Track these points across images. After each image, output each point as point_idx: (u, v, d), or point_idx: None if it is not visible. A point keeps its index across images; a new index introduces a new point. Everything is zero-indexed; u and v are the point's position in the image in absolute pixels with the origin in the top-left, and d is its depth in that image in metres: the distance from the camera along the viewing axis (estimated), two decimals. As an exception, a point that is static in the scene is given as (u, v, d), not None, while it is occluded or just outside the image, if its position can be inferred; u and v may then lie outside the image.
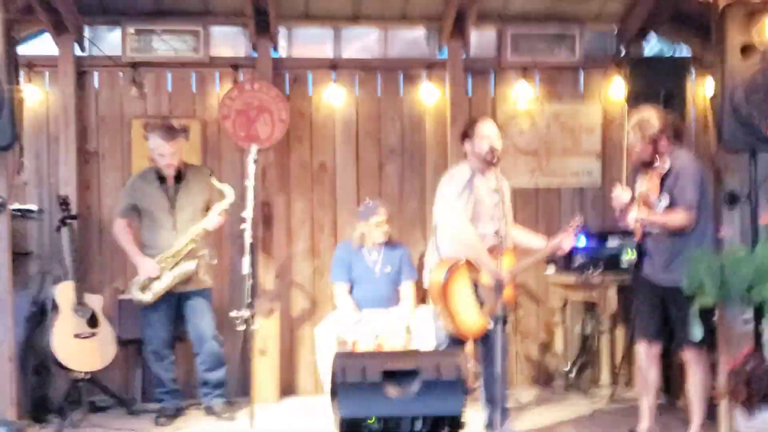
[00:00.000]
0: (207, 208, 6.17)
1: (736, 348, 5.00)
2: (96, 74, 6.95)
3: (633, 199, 5.29)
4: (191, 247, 6.08)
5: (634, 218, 5.23)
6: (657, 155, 5.22)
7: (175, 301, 6.18)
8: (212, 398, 6.22)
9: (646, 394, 5.47)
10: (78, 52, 6.85)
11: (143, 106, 6.92)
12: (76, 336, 6.11)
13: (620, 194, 5.32)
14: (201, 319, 6.17)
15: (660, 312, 5.31)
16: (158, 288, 6.06)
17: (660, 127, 5.20)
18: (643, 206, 5.24)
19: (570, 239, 5.62)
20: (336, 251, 6.58)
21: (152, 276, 6.05)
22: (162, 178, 6.14)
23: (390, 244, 6.46)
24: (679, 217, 5.14)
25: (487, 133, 5.54)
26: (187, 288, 6.14)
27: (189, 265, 6.07)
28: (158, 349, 6.20)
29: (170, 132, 6.12)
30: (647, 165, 5.25)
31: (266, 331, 6.67)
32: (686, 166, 5.18)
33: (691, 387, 5.26)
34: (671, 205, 5.17)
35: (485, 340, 5.49)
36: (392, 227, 6.54)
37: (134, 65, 6.82)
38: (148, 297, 6.08)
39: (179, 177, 6.16)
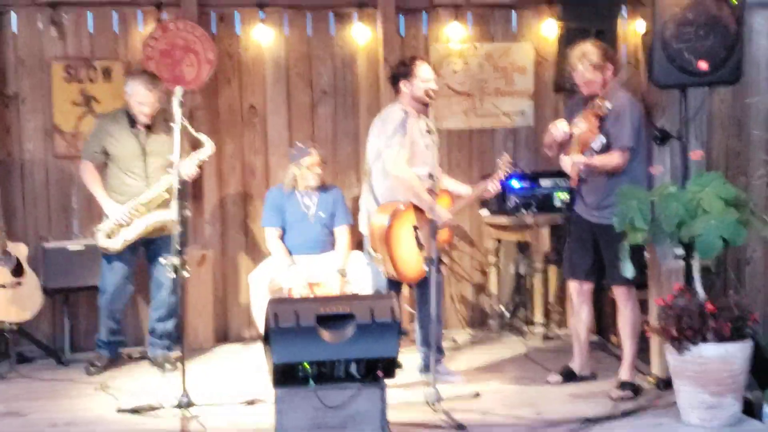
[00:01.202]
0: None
1: (667, 285, 5.06)
2: (14, 15, 6.64)
3: (570, 137, 5.25)
4: (165, 197, 5.88)
5: (571, 162, 5.20)
6: (605, 87, 5.18)
7: (138, 249, 6.05)
8: (156, 349, 6.12)
9: (578, 331, 5.52)
10: (-6, -8, 6.57)
11: (63, 47, 6.66)
12: (1, 286, 5.94)
13: (561, 125, 5.28)
14: (161, 266, 5.96)
15: (591, 251, 5.33)
16: (129, 235, 5.89)
17: (601, 54, 5.17)
18: (579, 149, 5.21)
19: (496, 184, 5.62)
20: (267, 195, 6.45)
21: (122, 223, 5.87)
22: (133, 122, 5.94)
23: (323, 187, 6.36)
24: (614, 159, 5.12)
25: (427, 76, 5.53)
26: (152, 234, 5.97)
27: (165, 214, 5.80)
28: (113, 298, 6.04)
29: (154, 80, 5.89)
30: (594, 98, 5.19)
31: (198, 278, 6.56)
32: (624, 107, 5.15)
33: (621, 325, 5.32)
34: (608, 146, 5.16)
35: (421, 282, 5.48)
36: (325, 170, 6.44)
37: (53, 5, 6.56)
38: (116, 244, 5.89)
39: (151, 123, 5.94)
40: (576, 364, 5.53)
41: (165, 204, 5.89)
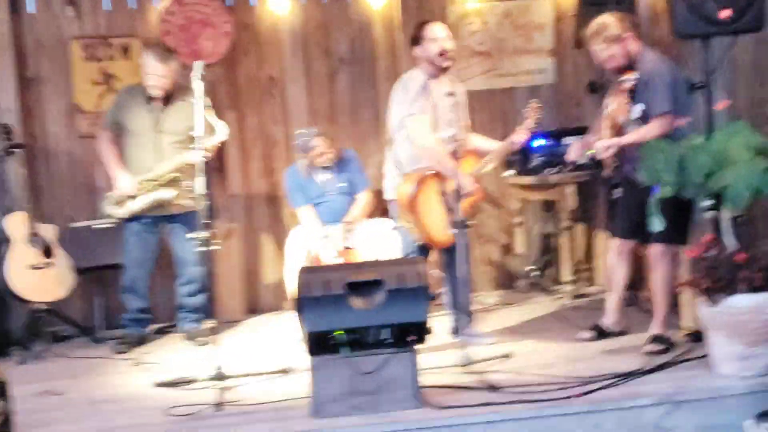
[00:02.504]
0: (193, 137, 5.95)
1: (697, 237, 5.02)
2: (30, -4, 6.66)
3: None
4: (173, 176, 5.90)
5: (603, 146, 5.07)
6: (631, 57, 5.06)
7: (158, 225, 6.07)
8: (187, 323, 6.15)
9: (612, 289, 5.48)
10: (9, -27, 6.55)
11: (81, 26, 6.66)
12: (32, 267, 5.99)
13: (574, 148, 5.27)
14: (182, 243, 5.97)
15: (637, 211, 5.12)
16: (132, 207, 5.92)
17: (618, 25, 5.06)
18: (611, 132, 5.11)
19: (523, 132, 5.52)
20: (287, 177, 6.34)
21: (127, 194, 5.91)
22: (150, 97, 5.94)
23: (338, 158, 6.31)
24: (653, 129, 4.96)
25: (435, 35, 5.43)
26: (168, 212, 5.99)
27: (167, 193, 5.88)
28: (133, 274, 6.08)
29: (165, 54, 5.87)
30: (624, 70, 5.08)
31: (226, 252, 6.58)
32: (655, 71, 5.01)
33: (655, 281, 5.24)
34: (647, 113, 5.02)
35: (448, 246, 5.47)
36: (337, 145, 6.31)
37: (68, -16, 6.56)
38: (122, 213, 5.95)
39: (168, 99, 5.93)
40: (607, 321, 5.50)
41: (172, 183, 5.91)
